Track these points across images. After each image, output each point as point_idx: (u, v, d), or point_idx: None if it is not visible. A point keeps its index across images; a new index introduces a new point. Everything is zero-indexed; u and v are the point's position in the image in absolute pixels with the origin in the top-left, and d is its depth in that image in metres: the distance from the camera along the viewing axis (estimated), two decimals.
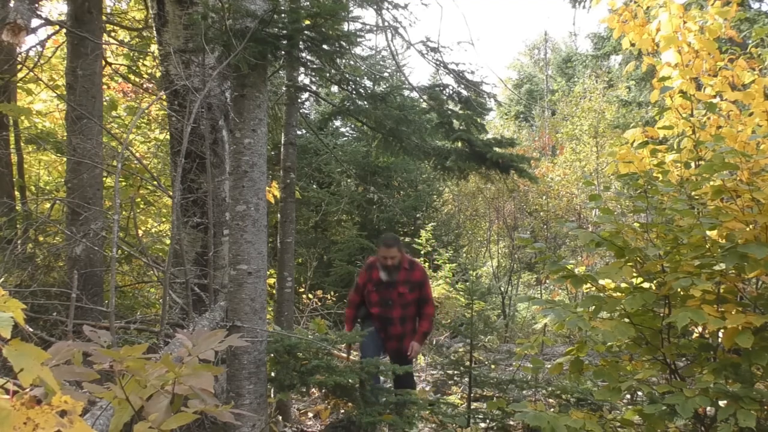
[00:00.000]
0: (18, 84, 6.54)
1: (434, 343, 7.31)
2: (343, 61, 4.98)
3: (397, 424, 3.83)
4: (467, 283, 5.30)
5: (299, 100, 6.74)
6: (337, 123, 11.40)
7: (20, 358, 1.04)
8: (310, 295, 8.99)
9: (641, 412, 2.52)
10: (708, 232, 2.62)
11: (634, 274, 2.71)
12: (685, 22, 4.08)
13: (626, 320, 2.56)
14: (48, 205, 6.32)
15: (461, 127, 5.00)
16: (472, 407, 4.60)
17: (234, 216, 3.63)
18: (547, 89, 27.97)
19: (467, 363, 4.71)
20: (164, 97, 4.55)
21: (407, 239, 10.35)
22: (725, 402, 2.32)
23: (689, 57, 4.08)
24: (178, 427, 1.29)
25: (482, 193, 12.05)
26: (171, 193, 4.14)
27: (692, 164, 3.72)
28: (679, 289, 2.45)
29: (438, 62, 5.24)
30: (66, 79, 5.12)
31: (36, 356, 1.06)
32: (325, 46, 3.81)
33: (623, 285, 2.88)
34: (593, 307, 2.55)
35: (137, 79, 7.62)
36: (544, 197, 11.99)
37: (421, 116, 5.16)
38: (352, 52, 5.03)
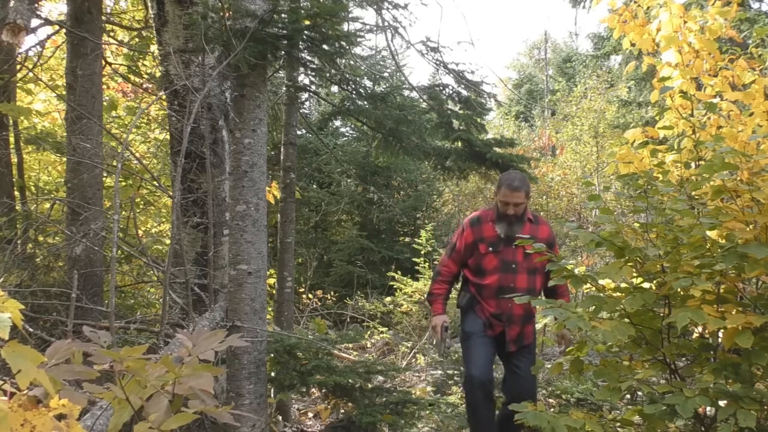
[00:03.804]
0: (18, 84, 6.54)
1: (434, 342, 7.31)
2: (343, 61, 4.98)
3: (397, 424, 3.83)
4: None
5: (299, 100, 6.74)
6: (337, 123, 11.41)
7: (18, 360, 1.03)
8: (310, 295, 8.99)
9: (641, 412, 2.51)
10: (708, 232, 2.62)
11: (634, 274, 2.71)
12: (685, 22, 4.08)
13: (626, 320, 2.56)
14: (48, 205, 6.32)
15: (461, 127, 4.99)
16: None
17: (234, 216, 3.64)
18: (547, 89, 27.97)
19: None
20: (164, 97, 4.54)
21: (407, 239, 10.35)
22: (725, 402, 2.32)
23: (689, 57, 4.08)
24: (178, 428, 1.29)
25: (482, 193, 12.04)
26: (171, 193, 4.14)
27: (692, 164, 3.72)
28: (678, 289, 2.45)
29: (438, 62, 5.23)
30: (66, 79, 5.12)
31: (33, 359, 1.06)
32: (325, 46, 3.81)
33: (623, 285, 2.88)
34: (593, 307, 2.55)
35: (137, 79, 7.62)
36: (544, 197, 11.99)
37: (421, 116, 5.16)
38: (352, 52, 5.03)
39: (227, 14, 3.67)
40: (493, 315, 3.30)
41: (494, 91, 5.49)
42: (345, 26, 5.04)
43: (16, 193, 6.39)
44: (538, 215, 3.45)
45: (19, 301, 1.20)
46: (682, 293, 2.54)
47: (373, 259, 10.35)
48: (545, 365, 3.32)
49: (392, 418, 3.80)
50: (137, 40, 7.38)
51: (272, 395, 4.37)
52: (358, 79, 5.26)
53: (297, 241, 8.76)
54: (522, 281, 3.27)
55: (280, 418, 5.00)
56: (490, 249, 3.30)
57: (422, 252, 8.90)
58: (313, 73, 4.86)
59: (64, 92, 5.52)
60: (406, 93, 5.93)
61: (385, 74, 8.38)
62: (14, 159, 6.52)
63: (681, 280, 2.30)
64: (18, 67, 5.88)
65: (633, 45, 4.49)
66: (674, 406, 2.26)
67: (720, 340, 2.61)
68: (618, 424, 2.99)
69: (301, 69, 5.03)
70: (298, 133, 8.44)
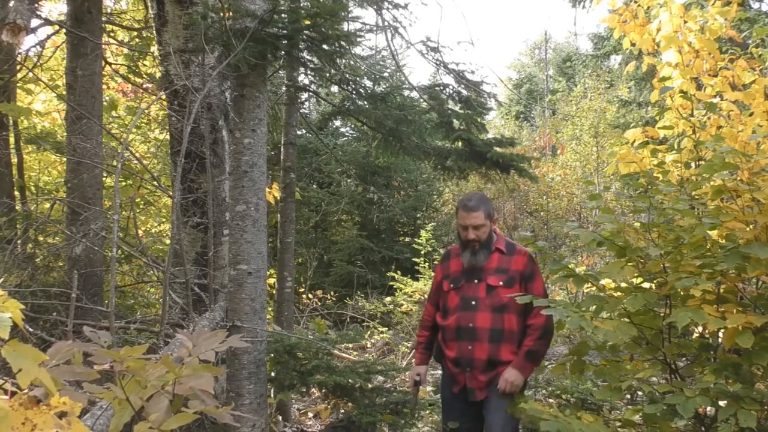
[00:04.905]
0: (18, 84, 6.54)
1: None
2: (343, 61, 4.97)
3: (396, 424, 3.83)
4: None
5: (299, 100, 6.75)
6: (337, 123, 11.41)
7: (18, 359, 1.03)
8: (310, 295, 9.00)
9: (643, 413, 2.51)
10: (708, 232, 2.62)
11: (635, 274, 2.71)
12: (685, 22, 4.08)
13: (626, 320, 2.56)
14: (48, 205, 6.32)
15: (461, 127, 4.99)
16: None
17: (234, 216, 3.63)
18: (547, 89, 27.99)
19: None
20: (164, 97, 4.55)
21: (407, 239, 10.35)
22: (725, 402, 2.32)
23: (690, 57, 4.08)
24: (178, 428, 1.29)
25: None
26: (171, 193, 4.14)
27: (692, 164, 3.71)
28: (679, 290, 2.45)
29: (438, 62, 5.23)
30: (66, 79, 5.13)
31: (34, 357, 1.05)
32: (325, 46, 3.81)
33: (623, 285, 2.88)
34: (594, 306, 2.55)
35: (137, 79, 7.62)
36: (544, 197, 12.00)
37: (421, 116, 5.16)
38: (352, 52, 5.02)
39: (227, 14, 3.67)
40: (452, 361, 2.91)
41: (494, 91, 5.50)
42: (345, 26, 5.04)
43: (16, 193, 6.39)
44: (516, 245, 2.97)
45: (19, 301, 1.20)
46: (682, 293, 2.54)
47: (373, 259, 10.36)
48: (546, 366, 3.29)
49: (392, 418, 3.80)
50: (137, 40, 7.39)
51: (272, 395, 4.37)
52: (358, 79, 5.26)
53: (297, 241, 8.77)
54: (483, 320, 2.81)
55: (280, 418, 5.00)
56: (452, 286, 2.94)
57: (422, 252, 8.91)
58: (313, 73, 4.86)
59: (64, 92, 5.52)
60: (406, 93, 5.93)
61: (385, 74, 8.38)
62: (14, 159, 6.52)
63: (684, 280, 2.29)
64: (18, 67, 5.88)
65: (633, 45, 4.49)
66: (675, 406, 2.25)
67: (720, 340, 2.61)
68: (618, 424, 2.99)
69: (301, 69, 5.03)
70: (298, 133, 8.45)
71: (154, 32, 4.47)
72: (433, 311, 3.10)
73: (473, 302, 2.85)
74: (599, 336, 2.41)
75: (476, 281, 2.87)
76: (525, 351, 2.79)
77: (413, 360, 6.90)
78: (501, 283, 2.83)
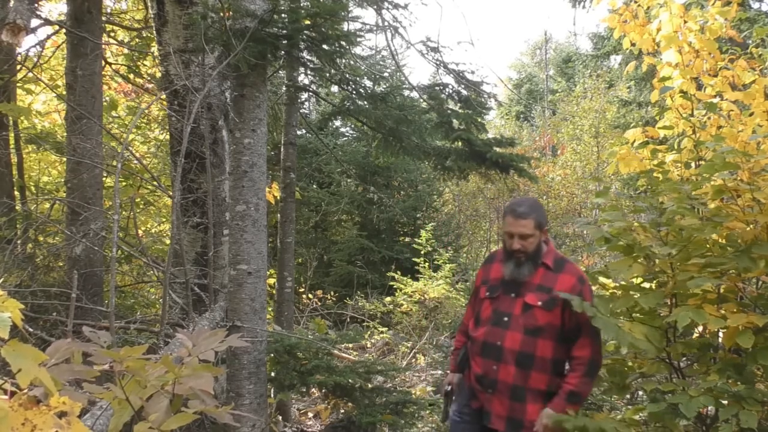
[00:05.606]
0: (18, 84, 6.54)
1: (434, 343, 7.31)
2: (343, 61, 4.97)
3: (396, 424, 3.83)
4: (467, 283, 5.29)
5: (299, 100, 6.75)
6: (337, 123, 11.40)
7: (18, 359, 1.03)
8: (310, 295, 9.00)
9: (648, 412, 2.51)
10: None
11: (641, 272, 2.70)
12: (685, 22, 4.07)
13: (624, 319, 2.56)
14: (48, 205, 6.32)
15: (461, 127, 4.99)
16: None
17: (234, 216, 3.63)
18: (547, 89, 27.98)
19: None
20: (164, 97, 4.54)
21: (407, 239, 10.35)
22: (726, 402, 2.33)
23: (690, 57, 4.08)
24: (178, 428, 1.29)
25: (482, 193, 12.06)
26: (171, 193, 4.14)
27: (692, 164, 3.71)
28: (683, 289, 2.45)
29: (438, 62, 5.23)
30: (66, 79, 5.12)
31: (34, 357, 1.05)
32: (325, 46, 3.82)
33: (622, 284, 2.88)
34: (610, 305, 2.53)
35: (137, 79, 7.62)
36: (544, 197, 12.00)
37: (421, 116, 5.16)
38: (352, 52, 5.03)
39: (227, 14, 3.67)
40: (476, 377, 2.58)
41: (494, 91, 5.50)
42: (345, 26, 5.04)
43: (16, 193, 6.39)
44: (567, 262, 2.57)
45: (19, 301, 1.19)
46: (685, 292, 2.54)
47: (373, 259, 10.35)
48: None
49: (392, 418, 3.80)
50: (137, 40, 7.39)
51: (272, 395, 4.37)
52: (358, 79, 5.26)
53: (297, 241, 8.77)
54: (513, 341, 2.46)
55: (280, 418, 5.00)
56: (488, 294, 2.62)
57: (422, 252, 8.90)
58: (313, 73, 4.86)
59: (64, 92, 5.52)
60: (406, 93, 5.93)
61: (385, 74, 8.38)
62: (14, 159, 6.52)
63: (696, 279, 2.29)
64: (18, 67, 5.88)
65: (633, 45, 4.49)
66: (677, 405, 2.25)
67: (720, 340, 2.61)
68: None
69: (301, 69, 5.03)
70: (298, 133, 8.44)
71: (154, 32, 4.47)
72: (471, 315, 2.77)
73: (505, 318, 2.52)
74: (637, 346, 2.33)
75: (513, 295, 2.53)
76: (568, 391, 2.40)
77: (413, 360, 6.93)
78: (540, 303, 2.46)
